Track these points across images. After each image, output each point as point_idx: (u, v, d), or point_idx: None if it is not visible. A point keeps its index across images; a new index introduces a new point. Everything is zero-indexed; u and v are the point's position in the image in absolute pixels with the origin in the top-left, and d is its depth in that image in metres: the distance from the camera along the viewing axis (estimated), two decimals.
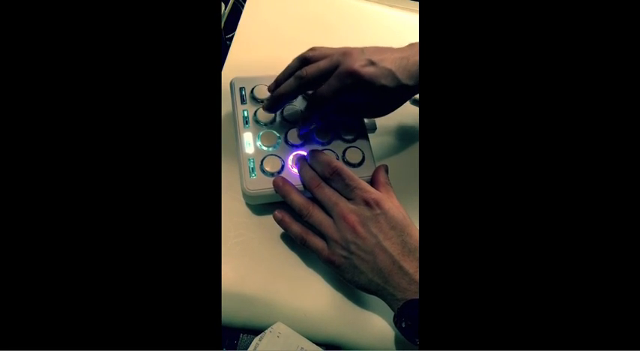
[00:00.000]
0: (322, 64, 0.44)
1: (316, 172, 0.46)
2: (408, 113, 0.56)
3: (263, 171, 0.47)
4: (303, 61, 0.46)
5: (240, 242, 0.48)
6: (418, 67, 0.43)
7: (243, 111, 0.50)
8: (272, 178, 0.47)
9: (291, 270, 0.47)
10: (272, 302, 0.45)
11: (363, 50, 0.44)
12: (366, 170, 0.49)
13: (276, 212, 0.46)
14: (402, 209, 0.43)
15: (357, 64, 0.42)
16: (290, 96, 0.46)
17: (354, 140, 0.51)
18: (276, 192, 0.46)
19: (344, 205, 0.43)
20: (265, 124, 0.50)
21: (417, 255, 0.41)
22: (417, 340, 0.38)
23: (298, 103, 0.51)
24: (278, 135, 0.50)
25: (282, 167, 0.48)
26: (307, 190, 0.46)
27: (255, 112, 0.50)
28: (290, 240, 0.47)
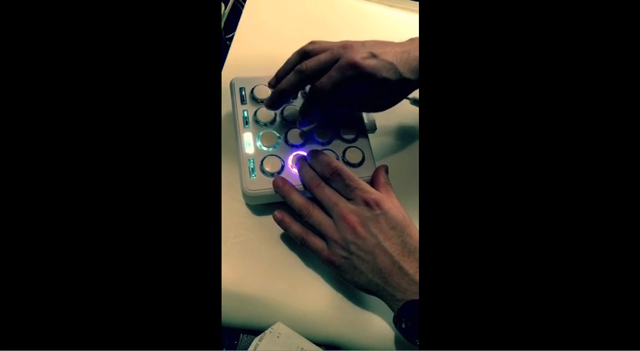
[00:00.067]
0: (323, 57, 0.43)
1: (316, 172, 0.46)
2: (408, 113, 0.56)
3: (263, 171, 0.47)
4: (303, 54, 0.45)
5: (240, 242, 0.48)
6: (419, 62, 0.43)
7: (243, 111, 0.50)
8: (272, 179, 0.47)
9: (291, 270, 0.47)
10: (272, 302, 0.45)
11: (363, 43, 0.44)
12: (366, 170, 0.49)
13: (276, 212, 0.46)
14: (402, 209, 0.43)
15: (359, 56, 0.42)
16: (291, 91, 0.46)
17: (354, 140, 0.51)
18: (276, 192, 0.46)
19: (344, 206, 0.43)
20: (265, 124, 0.50)
21: (417, 255, 0.41)
22: (417, 340, 0.38)
23: (298, 103, 0.51)
24: (278, 135, 0.49)
25: (282, 167, 0.48)
26: (307, 190, 0.46)
27: (255, 112, 0.50)
28: (290, 240, 0.47)
